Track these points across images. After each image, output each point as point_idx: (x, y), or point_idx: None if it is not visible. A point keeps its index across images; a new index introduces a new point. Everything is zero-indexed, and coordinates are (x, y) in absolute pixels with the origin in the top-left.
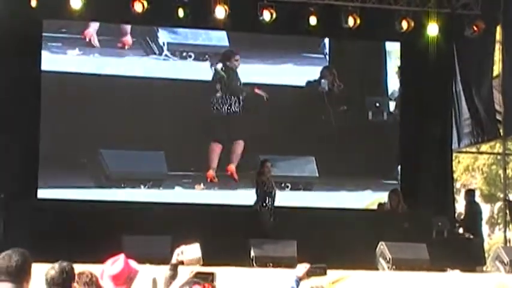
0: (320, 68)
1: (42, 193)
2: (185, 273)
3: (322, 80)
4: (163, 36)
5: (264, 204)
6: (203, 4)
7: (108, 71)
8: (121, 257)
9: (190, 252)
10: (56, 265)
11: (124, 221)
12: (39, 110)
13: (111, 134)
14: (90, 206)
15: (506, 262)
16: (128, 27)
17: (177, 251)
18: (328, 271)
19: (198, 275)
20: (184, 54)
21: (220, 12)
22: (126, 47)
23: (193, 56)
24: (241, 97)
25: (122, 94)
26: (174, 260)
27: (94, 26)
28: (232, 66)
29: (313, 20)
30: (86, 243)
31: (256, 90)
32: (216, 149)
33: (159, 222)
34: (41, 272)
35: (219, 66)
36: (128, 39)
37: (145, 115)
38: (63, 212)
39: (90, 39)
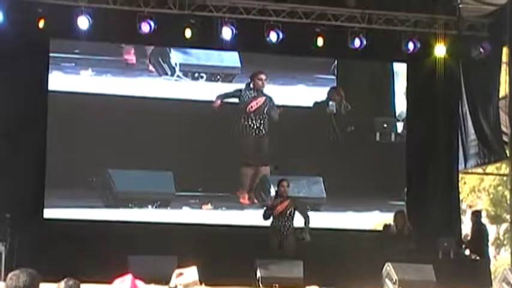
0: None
1: (49, 213)
2: None
3: (330, 102)
4: (176, 57)
5: (276, 225)
6: (210, 25)
7: (119, 91)
8: (128, 277)
9: (187, 275)
10: (63, 283)
11: (131, 241)
12: (45, 129)
13: (119, 153)
14: (97, 226)
15: None
16: (144, 48)
17: (175, 273)
18: None
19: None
20: (196, 75)
21: (227, 33)
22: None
23: (205, 76)
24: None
25: (132, 114)
26: (172, 284)
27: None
28: (258, 87)
29: (320, 41)
30: (92, 262)
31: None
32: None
33: (166, 242)
34: None
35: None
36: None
37: (154, 135)
38: (70, 232)
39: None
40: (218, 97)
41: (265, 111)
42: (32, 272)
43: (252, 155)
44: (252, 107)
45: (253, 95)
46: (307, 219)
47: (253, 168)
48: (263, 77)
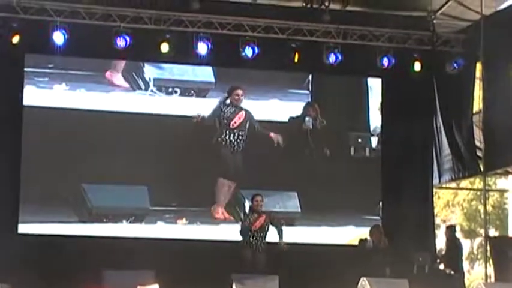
0: (304, 104)
1: (24, 228)
2: None
3: (306, 118)
4: (150, 71)
5: (250, 241)
6: (185, 40)
7: (93, 106)
8: None
9: None
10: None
11: (106, 256)
12: (20, 144)
13: (94, 168)
14: (73, 241)
15: None
16: (116, 63)
17: None
18: None
19: None
20: (170, 90)
21: (203, 48)
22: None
23: (179, 91)
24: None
25: (106, 129)
26: None
27: (119, 65)
28: (235, 102)
29: (295, 56)
30: (68, 278)
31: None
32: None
33: (141, 257)
34: None
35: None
36: (115, 74)
37: (128, 150)
38: (45, 247)
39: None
40: (202, 118)
41: (247, 125)
42: None
43: (230, 170)
44: (235, 122)
45: (233, 110)
46: (281, 232)
47: (229, 183)
48: (240, 92)
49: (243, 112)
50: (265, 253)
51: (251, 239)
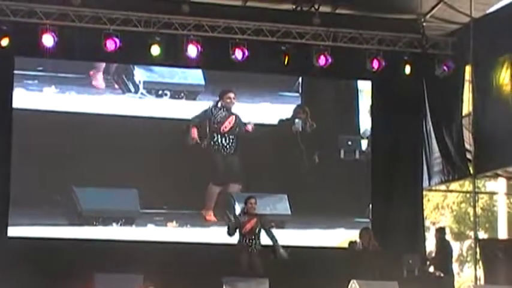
0: (294, 107)
1: (13, 231)
2: None
3: (296, 120)
4: (140, 74)
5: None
6: (175, 42)
7: (83, 109)
8: None
9: None
10: None
11: (96, 259)
12: (10, 147)
13: (84, 171)
14: (62, 244)
15: None
16: (103, 66)
17: None
18: None
19: None
20: (160, 92)
21: (193, 50)
22: (102, 86)
23: (169, 94)
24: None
25: (96, 132)
26: None
27: (101, 67)
28: (227, 105)
29: (285, 59)
30: (58, 281)
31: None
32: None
33: (131, 260)
34: None
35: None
36: (101, 77)
37: (118, 152)
38: (35, 250)
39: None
40: (193, 125)
41: (236, 130)
42: None
43: (221, 174)
44: (225, 127)
45: (224, 114)
46: (273, 238)
47: (221, 187)
48: (232, 95)
49: (233, 117)
50: (259, 256)
51: (244, 241)
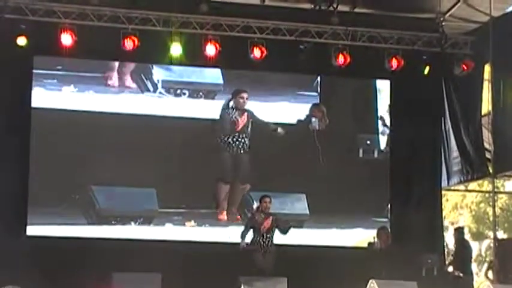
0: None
1: (32, 230)
2: None
3: (313, 119)
4: (158, 73)
5: (259, 242)
6: (194, 42)
7: (102, 108)
8: None
9: None
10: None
11: (114, 258)
12: (28, 146)
13: (102, 170)
14: (81, 243)
15: None
16: (126, 65)
17: None
18: None
19: None
20: (178, 91)
21: (211, 49)
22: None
23: (187, 93)
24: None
25: (115, 131)
26: None
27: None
28: (240, 105)
29: (303, 58)
30: (76, 280)
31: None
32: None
33: (149, 259)
34: None
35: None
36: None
37: (137, 152)
38: (53, 249)
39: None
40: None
41: (249, 128)
42: None
43: (231, 173)
44: (238, 126)
45: (237, 113)
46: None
47: (230, 186)
48: (245, 95)
49: (246, 114)
50: (274, 255)
51: (261, 240)
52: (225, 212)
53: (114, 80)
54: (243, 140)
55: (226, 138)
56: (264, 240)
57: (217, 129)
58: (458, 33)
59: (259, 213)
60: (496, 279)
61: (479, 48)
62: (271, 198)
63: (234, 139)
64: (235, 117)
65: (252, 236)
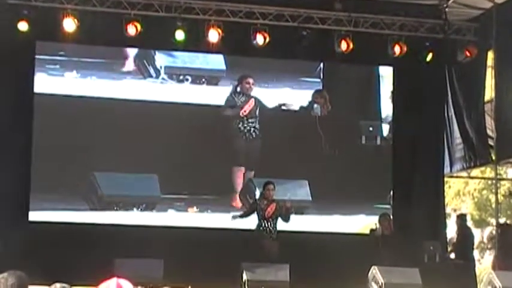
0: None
1: (34, 216)
2: None
3: (315, 105)
4: (161, 59)
5: (264, 228)
6: (196, 27)
7: (104, 93)
8: (113, 281)
9: None
10: (58, 286)
11: (116, 244)
12: (31, 132)
13: (105, 156)
14: (83, 229)
15: (498, 287)
16: (128, 50)
17: None
18: None
19: None
20: (181, 77)
21: (214, 35)
22: (126, 70)
23: (190, 79)
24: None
25: (117, 117)
26: None
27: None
28: (245, 90)
29: (306, 44)
30: (78, 265)
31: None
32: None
33: (151, 245)
34: None
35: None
36: (129, 62)
37: (139, 138)
38: (55, 235)
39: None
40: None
41: (257, 113)
42: (21, 275)
43: (243, 159)
44: (245, 110)
45: (243, 99)
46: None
47: (244, 172)
48: (251, 80)
49: (253, 100)
50: (278, 241)
51: (266, 226)
52: (238, 199)
53: (129, 65)
54: (252, 125)
55: (235, 125)
56: (269, 226)
57: (226, 115)
58: (462, 19)
59: (263, 199)
60: (498, 266)
61: (482, 34)
62: (275, 185)
63: (245, 124)
64: (242, 103)
65: (257, 223)
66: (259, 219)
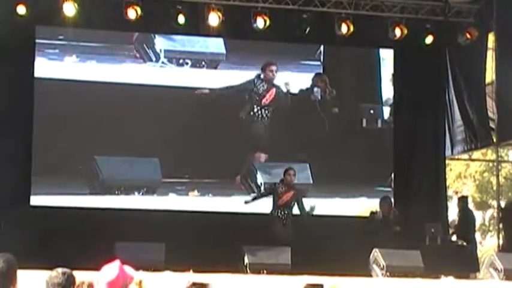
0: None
1: (36, 200)
2: (181, 283)
3: (315, 89)
4: (160, 43)
5: (277, 213)
6: (197, 11)
7: (104, 78)
8: (116, 263)
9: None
10: (60, 271)
11: (118, 228)
12: (32, 116)
13: (105, 140)
14: (84, 213)
15: (500, 269)
16: (129, 35)
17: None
18: (322, 278)
19: (193, 285)
20: (181, 61)
21: (214, 19)
22: (126, 54)
23: (190, 63)
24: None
25: (117, 101)
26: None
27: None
28: (269, 78)
29: (306, 27)
30: (79, 249)
31: None
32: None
33: (152, 229)
34: (34, 278)
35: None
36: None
37: (140, 121)
38: (57, 219)
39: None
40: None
41: (277, 103)
42: (9, 258)
43: (260, 143)
44: (266, 99)
45: (266, 86)
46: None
47: (264, 156)
48: (274, 68)
49: (275, 89)
50: (292, 226)
51: (278, 213)
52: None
53: (128, 49)
54: (266, 112)
55: (256, 111)
56: (282, 213)
57: (246, 100)
58: (462, 1)
59: (283, 185)
60: (500, 247)
61: (483, 16)
62: (295, 171)
63: (261, 111)
64: (264, 91)
65: (272, 208)
66: (274, 205)
